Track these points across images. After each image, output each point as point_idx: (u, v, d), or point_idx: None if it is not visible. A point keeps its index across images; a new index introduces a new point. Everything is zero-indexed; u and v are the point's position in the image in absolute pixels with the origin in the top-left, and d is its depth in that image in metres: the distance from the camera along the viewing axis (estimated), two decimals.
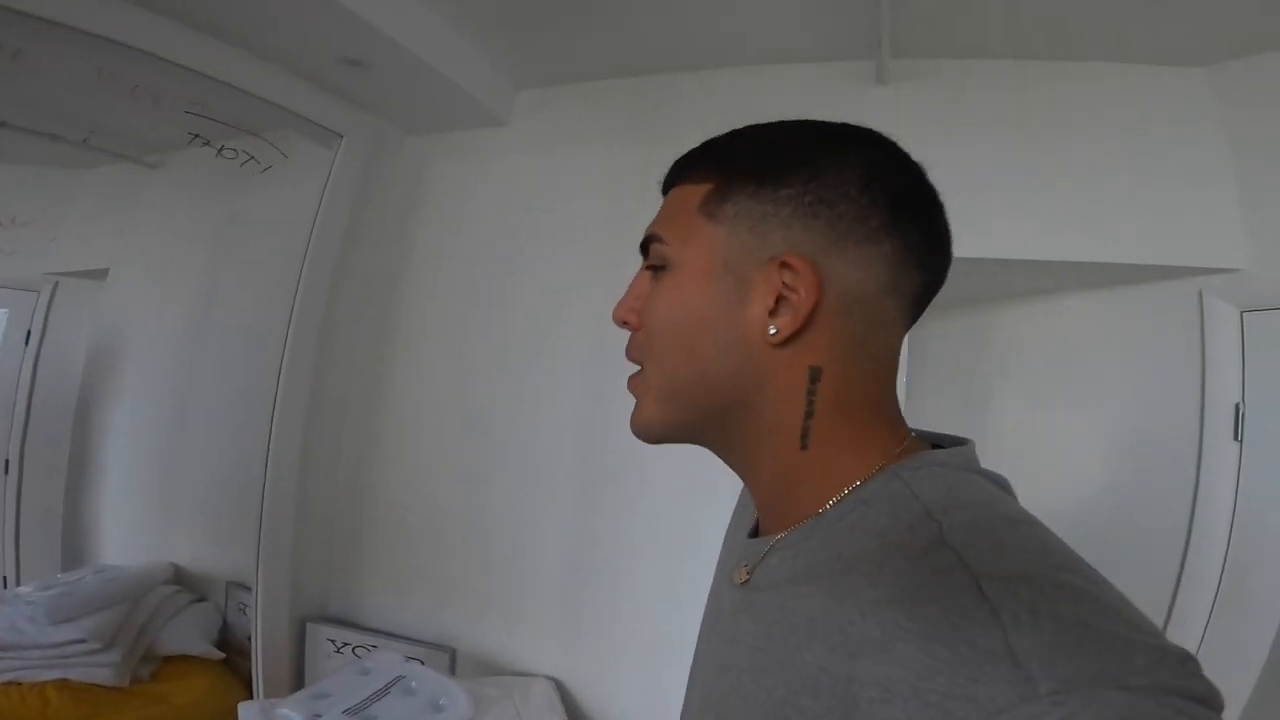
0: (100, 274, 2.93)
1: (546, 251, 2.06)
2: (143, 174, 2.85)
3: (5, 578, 2.81)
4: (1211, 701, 0.34)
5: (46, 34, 1.59)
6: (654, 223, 0.55)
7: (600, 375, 1.91)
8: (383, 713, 1.59)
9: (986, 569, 0.37)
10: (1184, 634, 1.61)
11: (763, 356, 0.48)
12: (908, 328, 0.53)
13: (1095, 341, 1.86)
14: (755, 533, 0.57)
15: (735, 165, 0.52)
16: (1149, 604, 1.66)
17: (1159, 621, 1.64)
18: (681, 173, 0.56)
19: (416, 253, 2.30)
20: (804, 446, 0.49)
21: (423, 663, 1.92)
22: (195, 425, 2.60)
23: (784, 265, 0.48)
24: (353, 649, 2.10)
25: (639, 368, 0.55)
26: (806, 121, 0.53)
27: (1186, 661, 0.35)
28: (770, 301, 0.48)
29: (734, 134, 0.55)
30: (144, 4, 1.67)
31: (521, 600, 2.01)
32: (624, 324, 0.56)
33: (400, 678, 1.74)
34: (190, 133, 2.51)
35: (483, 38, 1.95)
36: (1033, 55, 1.74)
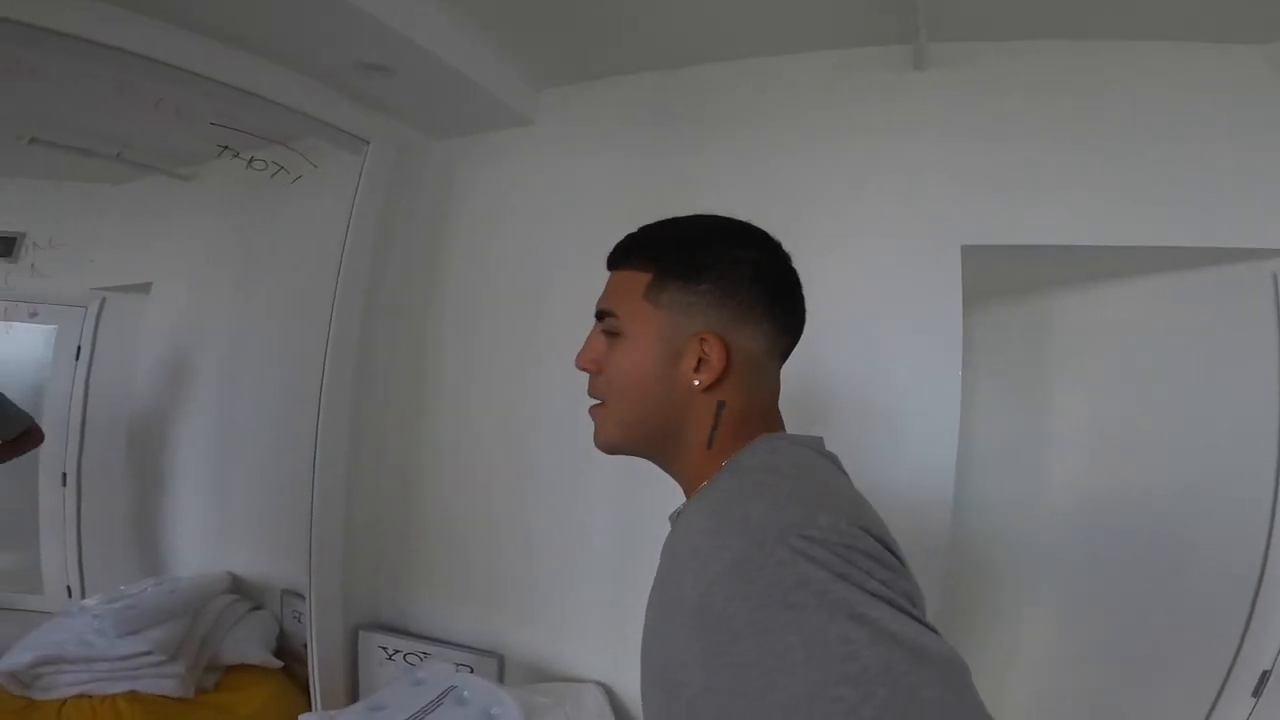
0: (144, 288, 2.98)
1: (581, 249, 2.01)
2: (176, 186, 2.88)
3: (70, 587, 2.92)
4: (879, 557, 0.56)
5: (70, 49, 1.58)
6: (606, 297, 0.80)
7: None
8: None
9: (755, 481, 0.65)
10: (1265, 638, 1.53)
11: (688, 397, 0.74)
12: (779, 369, 0.80)
13: (1161, 329, 1.77)
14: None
15: (668, 263, 0.76)
16: (1228, 604, 1.59)
17: (1239, 623, 1.56)
18: (627, 259, 0.80)
19: (451, 257, 2.27)
20: (709, 446, 0.75)
21: (472, 670, 1.94)
22: (243, 434, 2.63)
23: (703, 339, 0.73)
24: (404, 656, 2.12)
25: (599, 401, 0.80)
26: (715, 223, 0.79)
27: (857, 529, 0.57)
28: (694, 362, 0.74)
29: (662, 232, 0.79)
30: (163, 16, 1.65)
31: (569, 606, 2.00)
32: (586, 370, 0.80)
33: (453, 687, 1.75)
34: (219, 145, 2.51)
35: (503, 38, 1.91)
36: (1078, 35, 1.64)
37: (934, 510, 1.62)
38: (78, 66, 1.92)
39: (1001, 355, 2.04)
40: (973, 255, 1.64)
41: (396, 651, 2.13)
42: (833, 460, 0.74)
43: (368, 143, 2.15)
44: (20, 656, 1.98)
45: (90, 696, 1.99)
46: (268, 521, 2.54)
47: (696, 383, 0.73)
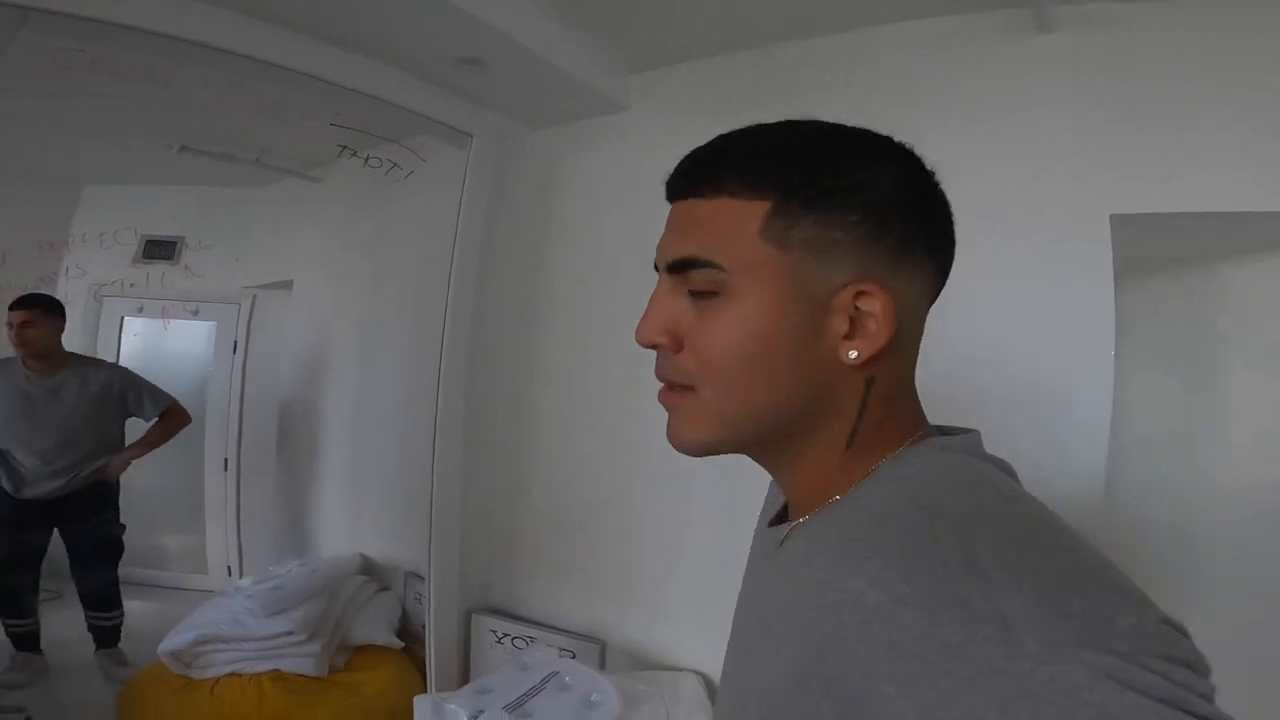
0: (287, 284, 3.19)
1: None
2: (307, 187, 3.04)
3: (229, 567, 3.21)
4: (1196, 665, 0.37)
5: (200, 57, 1.65)
6: (688, 239, 0.54)
7: None
8: (539, 708, 1.63)
9: (977, 538, 0.41)
10: None
11: (834, 376, 0.52)
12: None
13: None
14: (780, 520, 0.62)
15: (797, 185, 0.51)
16: None
17: None
18: (716, 181, 0.53)
19: (554, 247, 2.26)
20: (849, 446, 0.53)
21: (574, 656, 1.95)
22: (374, 423, 2.76)
23: (860, 293, 0.50)
24: (512, 640, 2.16)
25: (683, 386, 0.55)
26: (839, 130, 0.54)
27: (1166, 624, 0.38)
28: (845, 325, 0.51)
29: (775, 140, 0.53)
30: (275, 19, 1.69)
31: (669, 594, 1.97)
32: (657, 346, 0.56)
33: (555, 673, 1.76)
34: (339, 145, 2.61)
35: (592, 24, 1.84)
36: None
37: (1083, 500, 1.46)
38: (209, 74, 2.03)
39: (1161, 334, 1.79)
40: (1123, 226, 1.45)
41: (505, 635, 2.17)
42: (1011, 474, 0.53)
43: (472, 136, 2.15)
44: (183, 636, 2.14)
45: (240, 675, 2.11)
46: (394, 506, 2.66)
47: (853, 354, 0.51)
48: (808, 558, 0.51)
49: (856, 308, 0.51)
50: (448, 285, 2.20)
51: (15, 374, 2.34)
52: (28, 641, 2.43)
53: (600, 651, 2.01)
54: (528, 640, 2.10)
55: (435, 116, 2.04)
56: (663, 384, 0.57)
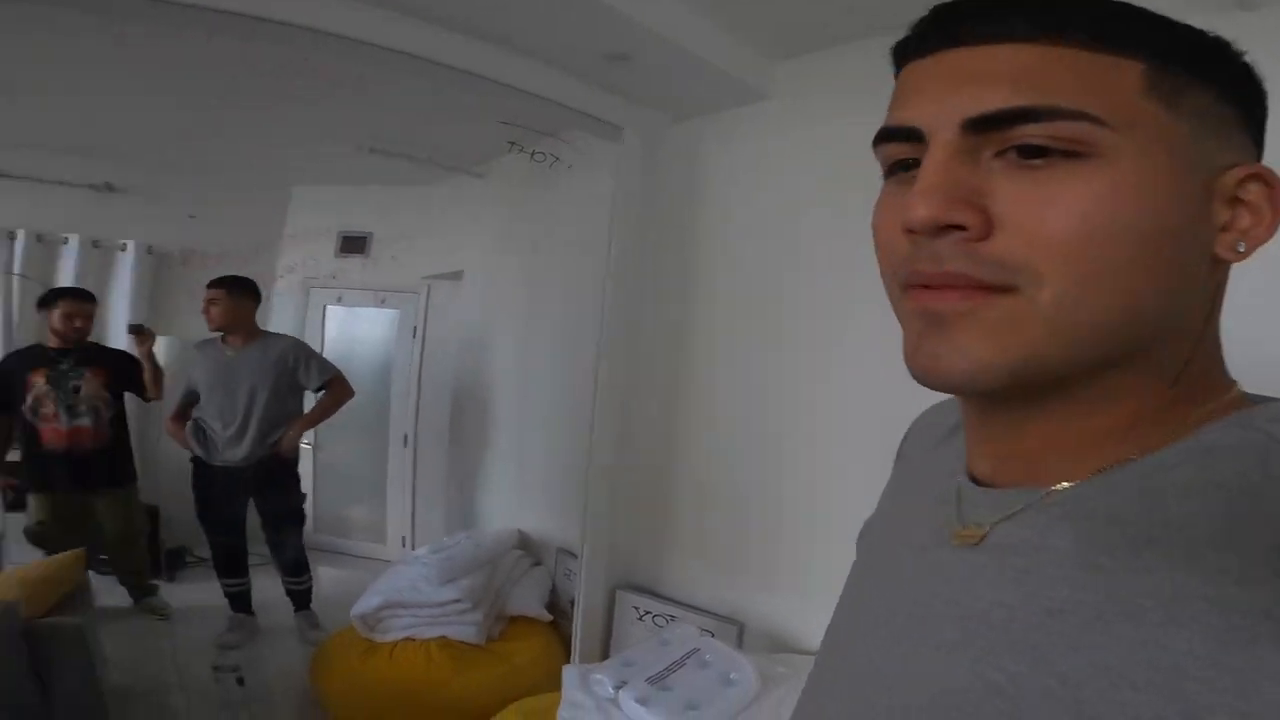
0: (457, 275, 3.43)
1: (829, 220, 1.90)
2: (473, 184, 3.24)
3: (404, 538, 3.52)
4: None
5: (382, 60, 1.79)
6: (1009, 88, 0.38)
7: (898, 347, 1.67)
8: (679, 682, 1.67)
9: None
10: None
11: (1209, 278, 0.41)
12: None
13: None
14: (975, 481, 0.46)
15: (1174, 48, 0.40)
16: None
17: None
18: (1049, 28, 0.39)
19: (700, 236, 2.27)
20: (1174, 383, 0.40)
21: (713, 635, 1.95)
22: (536, 406, 2.90)
23: (1251, 176, 0.40)
24: (653, 618, 2.20)
25: (988, 284, 0.38)
26: None
27: None
28: (1226, 215, 0.40)
29: None
30: (437, 20, 1.79)
31: (812, 579, 1.92)
32: (948, 227, 0.38)
33: (696, 650, 1.79)
34: (508, 141, 2.74)
35: (732, 14, 1.82)
36: None
37: None
38: (394, 79, 2.20)
39: None
40: None
41: (647, 613, 2.21)
42: None
43: (621, 129, 2.19)
44: (370, 600, 2.29)
45: (413, 640, 2.24)
46: (552, 485, 2.80)
47: (1241, 247, 0.40)
48: (1084, 544, 0.38)
49: (1246, 198, 0.40)
50: (604, 273, 2.27)
51: (217, 350, 2.62)
52: (242, 601, 2.73)
53: (738, 633, 2.03)
54: (667, 618, 2.15)
55: (589, 111, 2.10)
56: (931, 284, 0.40)
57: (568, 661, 2.27)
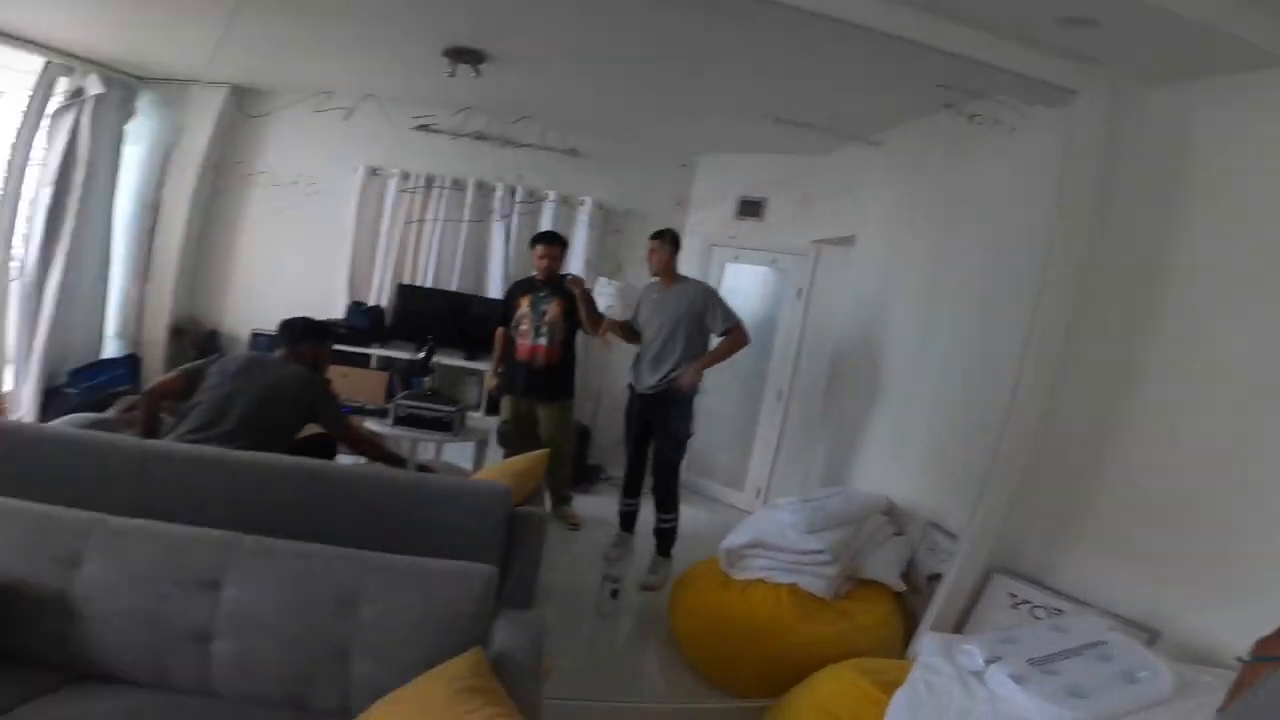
0: (849, 240, 3.49)
1: None
2: (868, 152, 3.23)
3: (759, 489, 3.72)
4: None
5: (823, 30, 1.88)
6: None
7: None
8: (1068, 670, 1.55)
9: None
10: None
11: None
12: None
13: None
14: None
15: None
16: None
17: None
18: None
19: (1181, 210, 2.00)
20: None
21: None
22: (932, 375, 2.82)
23: None
24: (1031, 608, 2.06)
25: None
26: None
27: None
28: None
29: None
30: None
31: (1262, 598, 1.66)
32: None
33: (1101, 643, 1.65)
34: (944, 104, 2.67)
35: None
36: None
37: None
38: (806, 49, 2.28)
39: None
40: None
41: (1024, 602, 2.08)
42: None
43: (1075, 93, 2.03)
44: (739, 538, 2.41)
45: (765, 582, 2.32)
46: (930, 458, 2.74)
47: None
48: None
49: None
50: (1037, 244, 2.13)
51: (652, 290, 3.04)
52: (629, 521, 3.11)
53: (1148, 640, 1.84)
54: (1051, 611, 2.01)
55: (1036, 75, 1.98)
56: None
57: (908, 633, 2.28)
